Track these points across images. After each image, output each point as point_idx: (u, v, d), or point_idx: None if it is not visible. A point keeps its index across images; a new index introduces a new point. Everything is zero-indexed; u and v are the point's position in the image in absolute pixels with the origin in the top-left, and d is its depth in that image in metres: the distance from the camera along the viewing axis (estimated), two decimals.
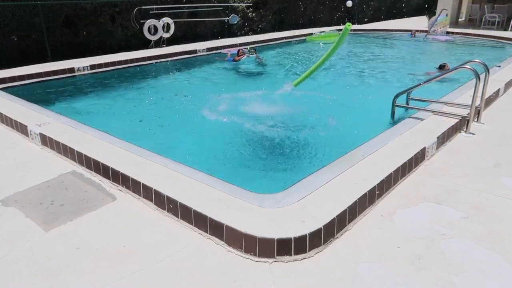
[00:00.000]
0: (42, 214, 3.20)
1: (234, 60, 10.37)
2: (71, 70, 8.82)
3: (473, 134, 4.81)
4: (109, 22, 11.49)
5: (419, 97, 5.69)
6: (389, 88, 7.75)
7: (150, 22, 11.58)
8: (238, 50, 10.64)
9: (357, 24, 20.54)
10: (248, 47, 11.55)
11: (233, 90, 8.08)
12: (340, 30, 16.48)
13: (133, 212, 3.23)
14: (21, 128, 5.06)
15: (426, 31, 16.14)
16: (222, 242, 2.77)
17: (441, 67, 8.62)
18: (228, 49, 11.65)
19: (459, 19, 20.44)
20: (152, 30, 11.76)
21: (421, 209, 3.19)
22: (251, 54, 10.60)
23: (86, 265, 2.59)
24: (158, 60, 10.42)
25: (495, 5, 18.05)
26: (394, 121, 5.29)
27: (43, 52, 10.08)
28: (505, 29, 16.18)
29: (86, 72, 8.95)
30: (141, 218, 3.14)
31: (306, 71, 5.43)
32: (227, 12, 14.80)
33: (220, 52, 11.64)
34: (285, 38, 14.90)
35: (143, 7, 11.95)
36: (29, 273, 2.53)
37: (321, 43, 14.91)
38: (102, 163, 3.76)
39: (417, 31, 16.32)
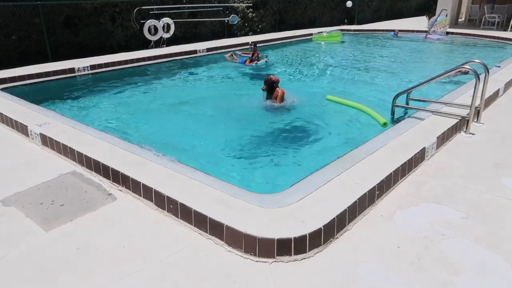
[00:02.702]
0: (42, 214, 3.20)
1: (246, 63, 10.15)
2: (71, 70, 8.82)
3: (473, 134, 4.82)
4: (109, 22, 11.49)
5: (419, 97, 5.70)
6: (388, 88, 7.76)
7: (150, 22, 11.59)
8: (253, 53, 10.17)
9: (357, 24, 20.55)
10: (250, 41, 11.22)
11: (234, 89, 8.10)
12: (343, 30, 16.66)
13: (133, 212, 3.23)
14: (22, 128, 5.07)
15: (410, 31, 16.50)
16: (222, 242, 2.78)
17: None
18: (241, 53, 11.20)
19: (459, 20, 20.44)
20: (152, 31, 11.76)
21: (421, 209, 3.19)
22: (263, 58, 10.29)
23: (86, 265, 2.59)
24: (158, 60, 10.42)
25: (494, 6, 18.04)
26: (394, 121, 5.29)
27: (43, 52, 10.08)
28: (505, 30, 16.18)
29: (86, 72, 8.95)
30: (141, 218, 3.14)
31: (345, 100, 5.66)
32: (227, 12, 14.81)
33: (234, 53, 11.21)
34: (286, 38, 14.91)
35: (143, 7, 11.96)
36: (29, 273, 2.53)
37: (322, 42, 15.01)
38: (102, 163, 3.76)
39: (400, 30, 16.56)
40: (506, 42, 13.71)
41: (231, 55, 10.99)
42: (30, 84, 7.97)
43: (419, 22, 20.11)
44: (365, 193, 3.12)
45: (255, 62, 10.09)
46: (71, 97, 7.27)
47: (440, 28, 15.76)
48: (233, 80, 8.97)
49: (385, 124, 4.53)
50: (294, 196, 3.06)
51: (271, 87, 6.21)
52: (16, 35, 9.78)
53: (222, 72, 9.68)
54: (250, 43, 10.77)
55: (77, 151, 4.09)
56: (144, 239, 2.86)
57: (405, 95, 5.48)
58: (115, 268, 2.56)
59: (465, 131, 4.86)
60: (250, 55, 10.28)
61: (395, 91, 5.66)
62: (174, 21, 12.29)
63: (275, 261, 2.60)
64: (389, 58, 11.41)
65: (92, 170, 3.92)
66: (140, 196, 3.40)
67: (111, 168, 3.65)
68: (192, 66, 10.45)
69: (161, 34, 11.96)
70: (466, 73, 7.79)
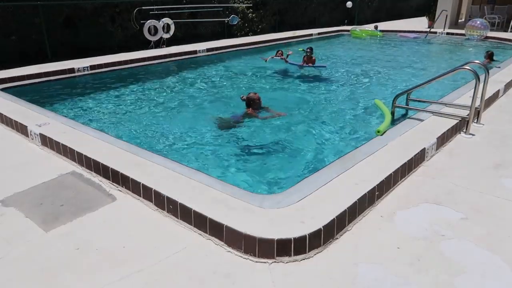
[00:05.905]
0: (42, 215, 3.20)
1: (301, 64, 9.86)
2: (71, 70, 8.82)
3: (473, 135, 4.82)
4: (109, 23, 11.50)
5: (419, 98, 5.70)
6: (388, 89, 7.76)
7: (150, 22, 11.60)
8: (309, 57, 9.72)
9: (357, 25, 20.55)
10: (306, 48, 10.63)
11: (234, 90, 8.10)
12: (344, 30, 16.89)
13: (133, 213, 3.23)
14: (21, 129, 5.07)
15: (394, 31, 17.11)
16: (222, 243, 2.78)
17: (489, 56, 9.66)
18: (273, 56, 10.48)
19: (459, 20, 20.45)
20: (152, 31, 11.77)
21: (421, 210, 3.19)
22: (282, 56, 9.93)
23: (86, 266, 2.59)
24: (158, 61, 10.42)
25: (494, 6, 18.05)
26: (394, 122, 5.29)
27: (43, 52, 10.09)
28: (505, 30, 16.18)
29: (86, 72, 8.95)
30: (141, 219, 3.14)
31: (385, 109, 5.70)
32: (227, 12, 14.81)
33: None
34: (286, 38, 14.91)
35: (143, 7, 11.97)
36: (29, 273, 2.53)
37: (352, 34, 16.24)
38: (102, 164, 3.76)
39: (382, 31, 16.91)
40: (506, 43, 13.71)
41: (280, 53, 10.38)
42: (30, 84, 7.97)
43: (418, 23, 20.12)
44: (365, 194, 3.12)
45: (309, 64, 9.71)
46: (71, 97, 7.27)
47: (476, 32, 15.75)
48: (234, 81, 8.97)
49: (378, 132, 4.53)
50: (294, 196, 3.06)
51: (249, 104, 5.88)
52: (16, 35, 9.79)
53: (222, 73, 9.68)
54: (306, 49, 10.16)
55: (77, 151, 4.09)
56: (143, 239, 2.86)
57: (405, 95, 5.48)
58: (115, 268, 2.56)
59: (465, 132, 4.86)
60: (304, 59, 9.82)
61: (387, 88, 5.65)
62: (174, 22, 12.29)
63: (275, 262, 2.60)
64: (386, 60, 11.41)
65: (92, 170, 3.92)
66: (140, 196, 3.40)
67: (111, 168, 3.65)
68: (192, 66, 10.44)
69: (161, 34, 11.96)
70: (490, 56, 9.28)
